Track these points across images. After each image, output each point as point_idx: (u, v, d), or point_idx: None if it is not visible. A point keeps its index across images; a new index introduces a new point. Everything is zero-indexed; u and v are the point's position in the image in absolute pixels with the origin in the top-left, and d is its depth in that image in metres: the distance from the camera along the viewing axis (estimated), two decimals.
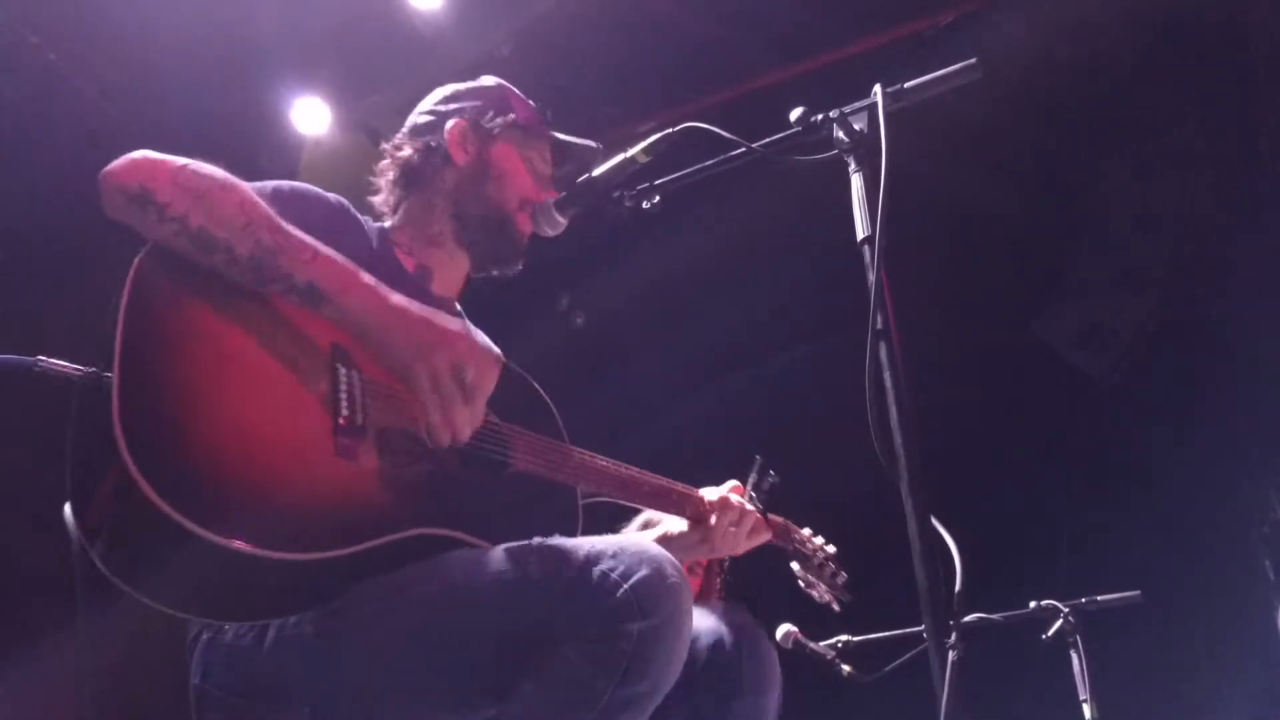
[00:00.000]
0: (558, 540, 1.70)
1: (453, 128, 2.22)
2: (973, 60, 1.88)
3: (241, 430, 1.61)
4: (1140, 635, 4.64)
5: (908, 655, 3.25)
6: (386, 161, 2.27)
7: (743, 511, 2.36)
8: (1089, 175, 5.67)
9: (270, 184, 1.95)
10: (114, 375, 1.51)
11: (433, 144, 2.22)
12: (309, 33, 4.31)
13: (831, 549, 2.63)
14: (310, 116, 4.52)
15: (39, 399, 1.73)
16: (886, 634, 3.51)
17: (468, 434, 1.77)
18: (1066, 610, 3.29)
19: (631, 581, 1.57)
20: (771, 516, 2.49)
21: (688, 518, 2.34)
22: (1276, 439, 5.32)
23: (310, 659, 1.68)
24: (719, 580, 3.74)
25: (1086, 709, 3.17)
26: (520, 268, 2.28)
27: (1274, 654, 5.10)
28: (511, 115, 2.25)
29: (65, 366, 1.66)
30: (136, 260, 1.64)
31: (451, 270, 2.23)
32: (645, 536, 2.38)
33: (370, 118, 4.60)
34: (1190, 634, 5.20)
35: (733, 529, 2.34)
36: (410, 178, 2.22)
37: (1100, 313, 5.86)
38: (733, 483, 2.45)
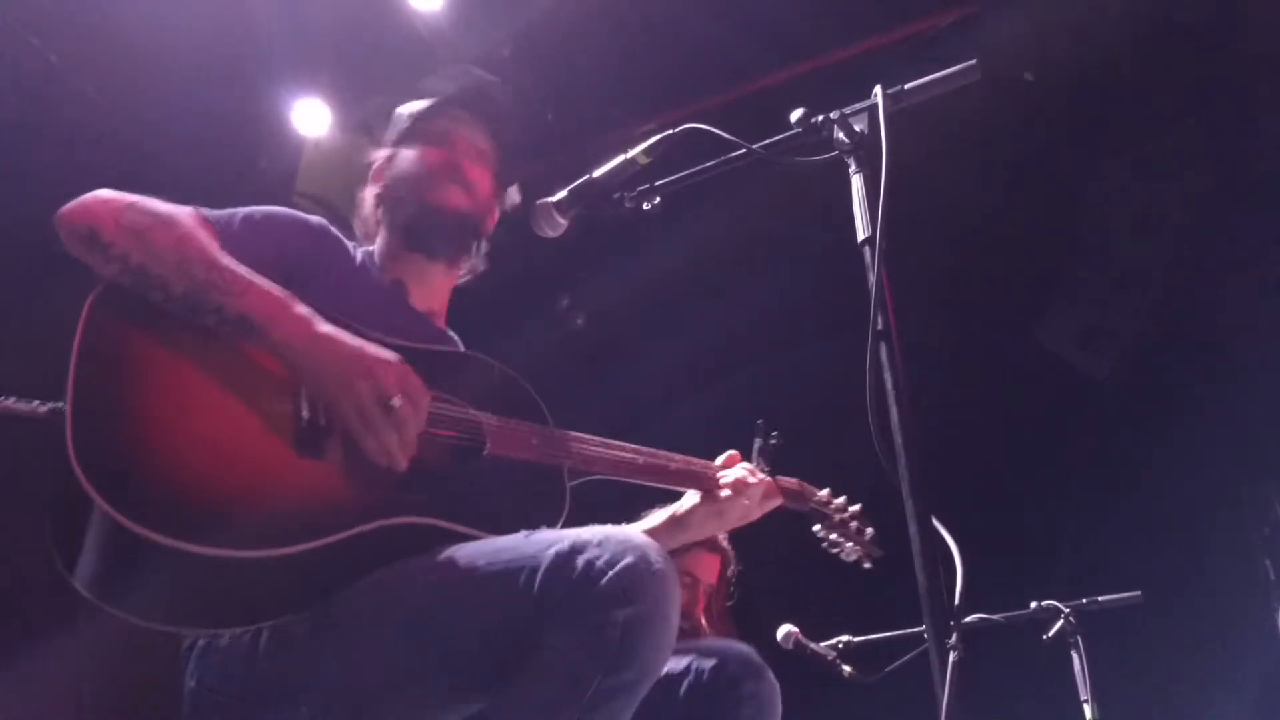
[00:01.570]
0: (544, 532, 1.71)
1: (375, 168, 2.35)
2: (973, 61, 1.88)
3: (200, 442, 1.64)
4: (1141, 636, 4.63)
5: (909, 656, 3.25)
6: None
7: (751, 483, 2.34)
8: (1088, 176, 5.67)
9: (242, 211, 1.99)
10: (67, 407, 1.55)
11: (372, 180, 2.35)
12: (309, 34, 4.31)
13: (856, 506, 2.58)
14: (310, 118, 4.52)
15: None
16: (887, 634, 3.51)
17: (402, 462, 1.76)
18: (1067, 611, 3.29)
19: (616, 569, 1.57)
20: (783, 479, 2.45)
21: (697, 491, 2.33)
22: (1276, 439, 5.32)
23: (304, 659, 1.69)
24: (730, 581, 3.74)
25: (1087, 709, 3.17)
26: (472, 247, 2.31)
27: (1274, 654, 5.10)
28: (408, 125, 2.35)
29: (26, 407, 1.72)
30: (90, 297, 1.70)
31: (423, 282, 2.27)
32: (651, 520, 2.39)
33: (370, 119, 4.60)
34: (1191, 634, 5.20)
35: (745, 503, 2.33)
36: (361, 209, 2.35)
37: (1100, 314, 5.86)
38: (730, 453, 2.43)
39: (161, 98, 4.06)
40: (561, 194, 2.18)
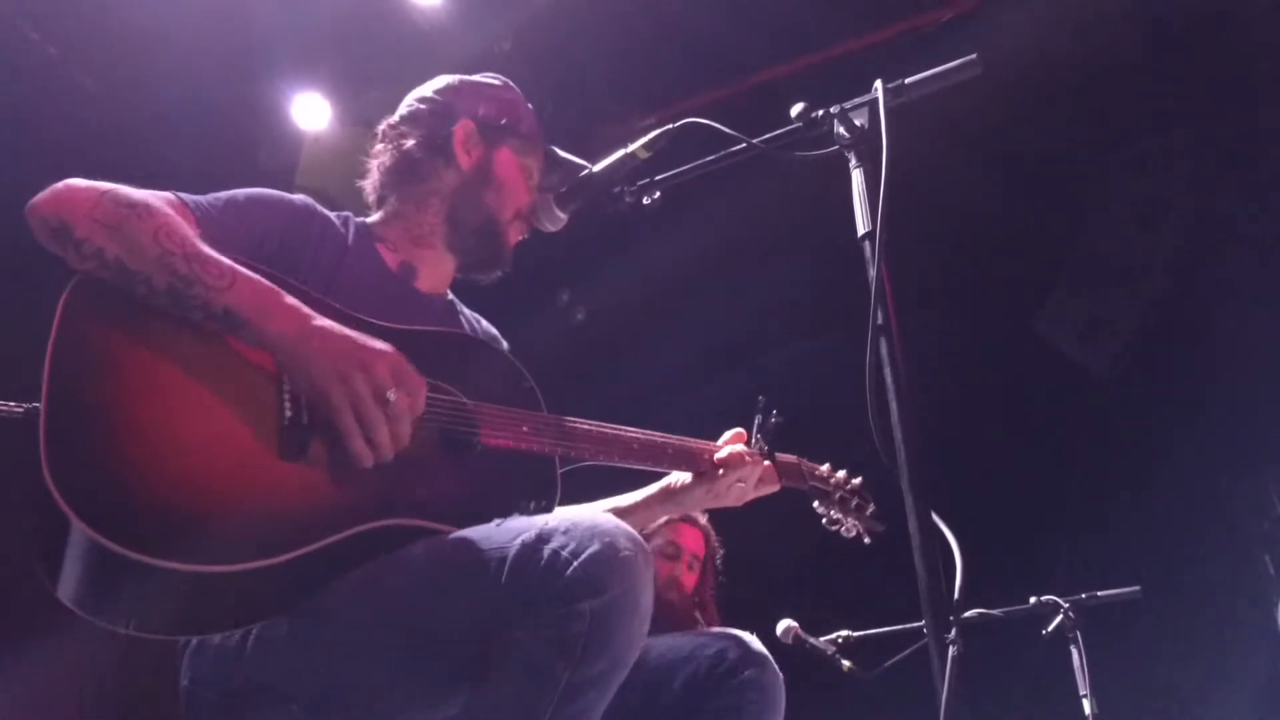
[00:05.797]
0: (514, 520, 1.67)
1: (460, 127, 2.16)
2: (973, 56, 1.88)
3: (180, 451, 1.59)
4: (1140, 631, 4.65)
5: (908, 650, 3.26)
6: (383, 145, 2.21)
7: (748, 462, 2.30)
8: (1090, 170, 5.67)
9: (225, 194, 1.92)
10: (40, 416, 1.49)
11: (437, 140, 2.16)
12: (309, 28, 4.30)
13: (856, 480, 2.54)
14: (310, 112, 4.52)
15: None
16: (887, 629, 3.51)
17: (389, 456, 1.70)
18: (1066, 606, 3.29)
19: (582, 558, 1.53)
20: (782, 457, 2.41)
21: (692, 472, 2.29)
22: (1276, 434, 5.33)
23: (287, 658, 1.68)
24: (712, 579, 3.74)
25: (1086, 704, 3.17)
26: (499, 276, 2.25)
27: (1274, 650, 5.11)
28: (520, 123, 2.22)
29: (3, 407, 1.66)
30: (65, 292, 1.63)
31: (438, 269, 2.20)
32: (643, 492, 2.36)
33: (370, 113, 4.59)
34: (1190, 630, 5.21)
35: (740, 484, 2.30)
36: (408, 170, 2.16)
37: (1100, 308, 5.86)
38: (735, 430, 2.39)
39: (162, 92, 4.06)
40: (561, 188, 2.18)
